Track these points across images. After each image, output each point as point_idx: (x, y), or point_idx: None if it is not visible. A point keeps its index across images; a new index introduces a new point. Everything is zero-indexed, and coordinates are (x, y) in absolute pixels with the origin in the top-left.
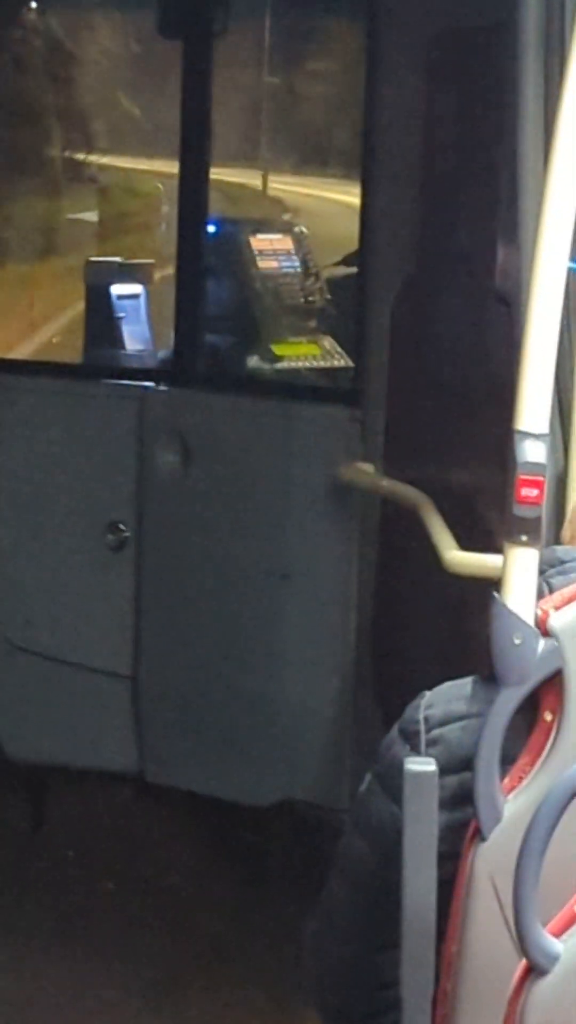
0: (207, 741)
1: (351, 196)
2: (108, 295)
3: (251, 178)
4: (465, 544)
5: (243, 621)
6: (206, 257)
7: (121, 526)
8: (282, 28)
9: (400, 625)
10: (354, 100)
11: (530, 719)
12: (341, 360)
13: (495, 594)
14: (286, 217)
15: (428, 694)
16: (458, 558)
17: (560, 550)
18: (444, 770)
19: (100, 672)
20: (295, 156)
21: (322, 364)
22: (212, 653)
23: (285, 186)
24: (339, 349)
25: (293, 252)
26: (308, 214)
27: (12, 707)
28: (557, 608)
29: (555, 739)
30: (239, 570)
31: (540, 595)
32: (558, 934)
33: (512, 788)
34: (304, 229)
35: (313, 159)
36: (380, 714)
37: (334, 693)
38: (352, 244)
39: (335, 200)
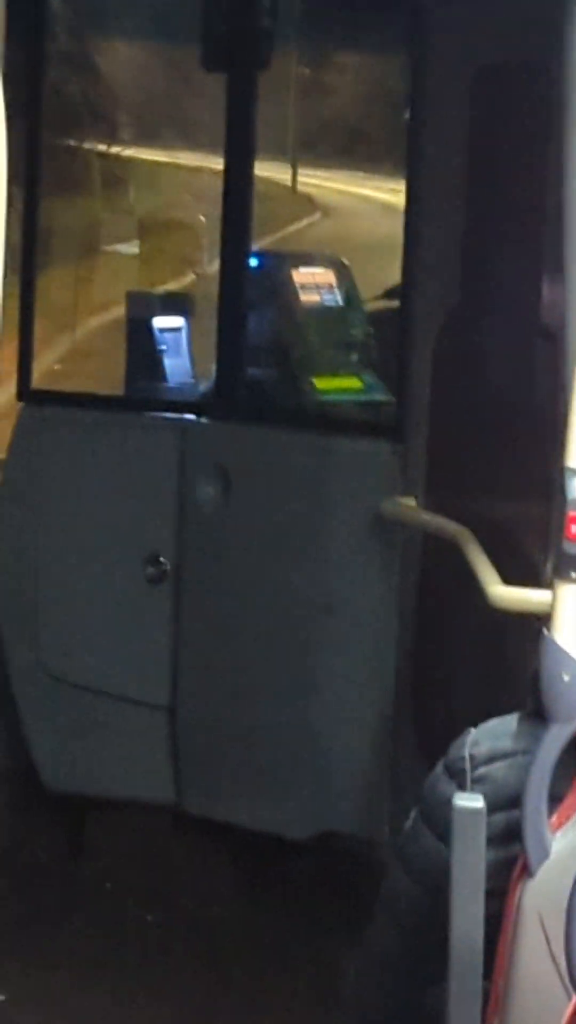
0: (245, 773)
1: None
2: (149, 328)
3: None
4: (507, 578)
5: (282, 653)
6: (248, 290)
7: (161, 558)
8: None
9: (441, 659)
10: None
11: None
12: (383, 394)
13: (544, 630)
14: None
15: (473, 731)
16: (502, 593)
17: None
18: (491, 808)
19: (139, 703)
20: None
21: (363, 398)
22: (251, 685)
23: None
24: (381, 383)
25: (335, 286)
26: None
27: (51, 738)
28: None
29: None
30: (279, 603)
31: None
32: None
33: (560, 825)
34: (347, 262)
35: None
36: (420, 747)
37: (374, 725)
38: None
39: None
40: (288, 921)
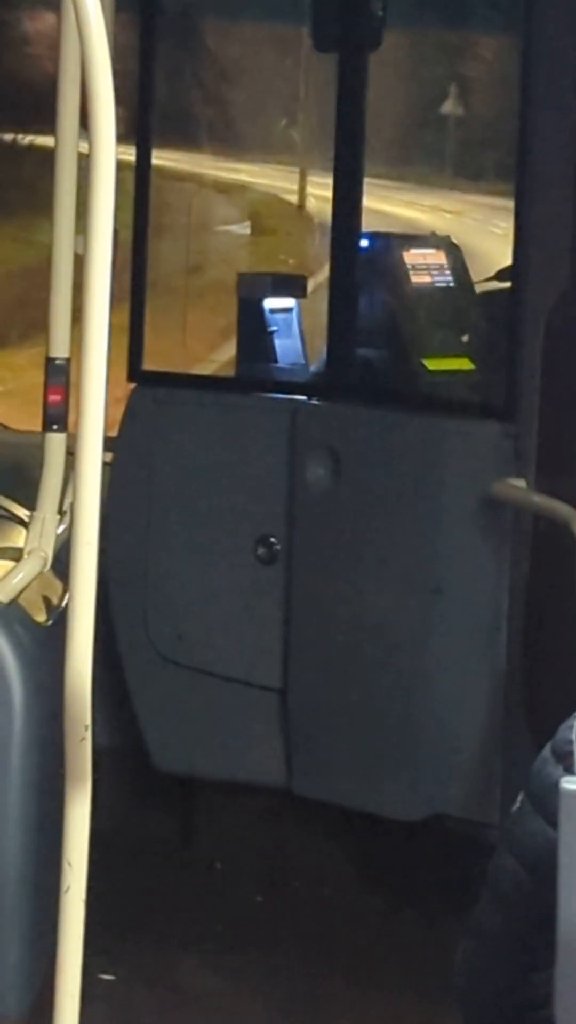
0: (356, 755)
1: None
2: (261, 309)
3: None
4: None
5: (393, 635)
6: (359, 272)
7: (272, 539)
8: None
9: (551, 642)
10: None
11: None
12: (494, 375)
13: None
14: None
15: None
16: None
17: None
18: None
19: (250, 685)
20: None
21: (475, 379)
22: (362, 667)
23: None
24: (492, 364)
25: (446, 267)
26: None
27: (162, 720)
28: None
29: None
30: (389, 585)
31: None
32: None
33: None
34: (457, 243)
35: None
36: (530, 731)
37: (484, 708)
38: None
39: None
40: (398, 904)
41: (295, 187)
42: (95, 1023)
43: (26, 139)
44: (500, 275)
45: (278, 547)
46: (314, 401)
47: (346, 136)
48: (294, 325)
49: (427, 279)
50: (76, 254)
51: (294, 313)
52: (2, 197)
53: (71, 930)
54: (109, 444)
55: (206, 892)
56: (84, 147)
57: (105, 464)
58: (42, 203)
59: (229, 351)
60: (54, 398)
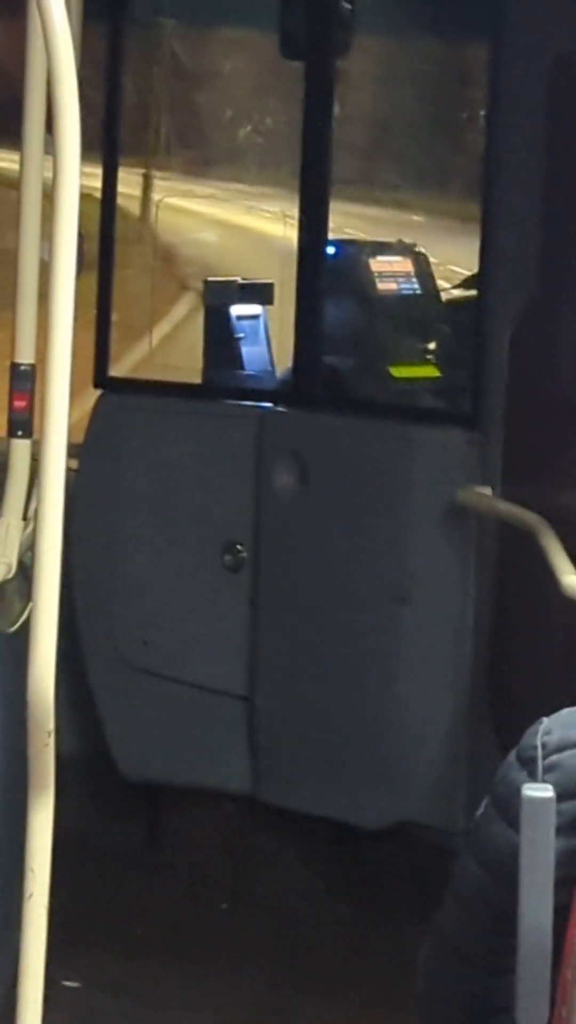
0: (322, 762)
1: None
2: (227, 316)
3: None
4: None
5: (359, 643)
6: (326, 279)
7: (239, 546)
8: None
9: (517, 649)
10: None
11: None
12: (459, 383)
13: None
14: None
15: (546, 720)
16: None
17: None
18: (561, 796)
19: (216, 692)
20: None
21: (440, 387)
22: (328, 674)
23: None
24: (458, 372)
25: (413, 275)
26: None
27: (127, 726)
28: None
29: None
30: (356, 592)
31: None
32: None
33: None
34: (424, 251)
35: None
36: (496, 737)
37: (450, 716)
38: None
39: None
40: (363, 911)
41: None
42: None
43: None
44: (466, 283)
45: (244, 554)
46: (281, 408)
47: (313, 144)
48: (261, 332)
49: (393, 287)
50: (42, 260)
51: (261, 320)
52: None
53: (34, 937)
54: (75, 450)
55: (171, 900)
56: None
57: (70, 470)
58: None
59: None
60: (19, 404)
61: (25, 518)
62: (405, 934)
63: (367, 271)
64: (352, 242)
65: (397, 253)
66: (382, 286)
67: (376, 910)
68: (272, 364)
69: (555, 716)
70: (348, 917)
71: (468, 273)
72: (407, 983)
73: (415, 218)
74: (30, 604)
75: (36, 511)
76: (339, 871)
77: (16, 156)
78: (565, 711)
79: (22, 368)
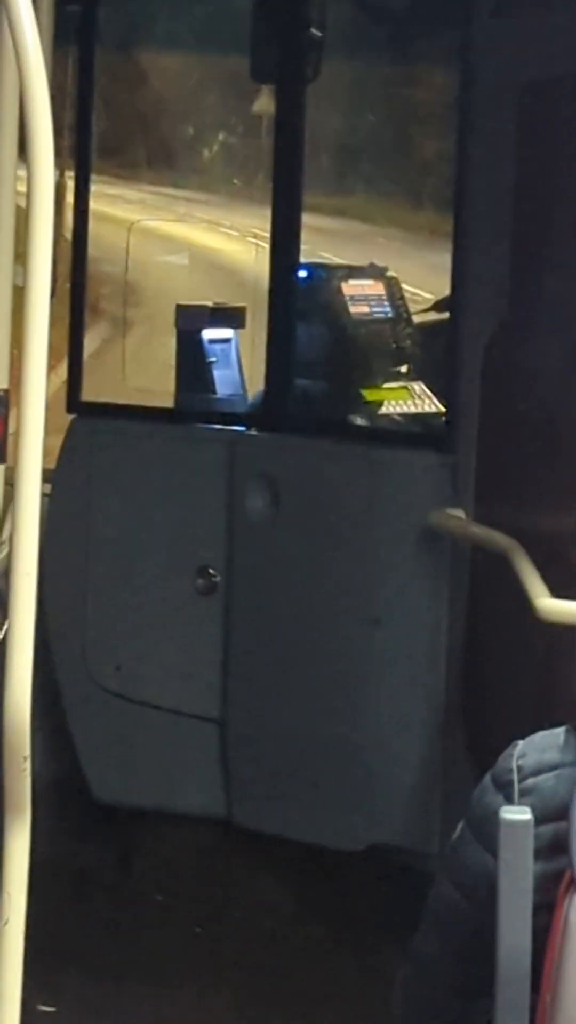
0: (295, 785)
1: None
2: (199, 340)
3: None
4: (556, 591)
5: (332, 666)
6: (298, 302)
7: (211, 570)
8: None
9: (490, 671)
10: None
11: None
12: (432, 406)
13: None
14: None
15: (521, 743)
16: (550, 605)
17: None
18: (538, 820)
19: (189, 716)
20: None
21: (413, 410)
22: (301, 697)
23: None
24: (430, 394)
25: (385, 298)
26: None
27: (100, 750)
28: None
29: None
30: (328, 615)
31: None
32: None
33: None
34: (395, 275)
35: None
36: (470, 759)
37: (423, 738)
38: None
39: None
40: (337, 934)
41: None
42: None
43: None
44: (438, 306)
45: (217, 578)
46: (253, 431)
47: (284, 166)
48: (232, 356)
49: (365, 309)
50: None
51: (232, 344)
52: None
53: (10, 961)
54: (48, 475)
55: (146, 923)
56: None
57: (44, 495)
58: None
59: None
60: None
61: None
62: (379, 957)
63: (339, 294)
64: (324, 265)
65: (369, 276)
66: (354, 309)
67: (350, 933)
68: (244, 387)
69: (529, 740)
70: (322, 940)
71: (434, 298)
72: (381, 1006)
73: (384, 240)
74: (5, 628)
75: (11, 536)
76: (313, 894)
77: None
78: (539, 734)
79: None
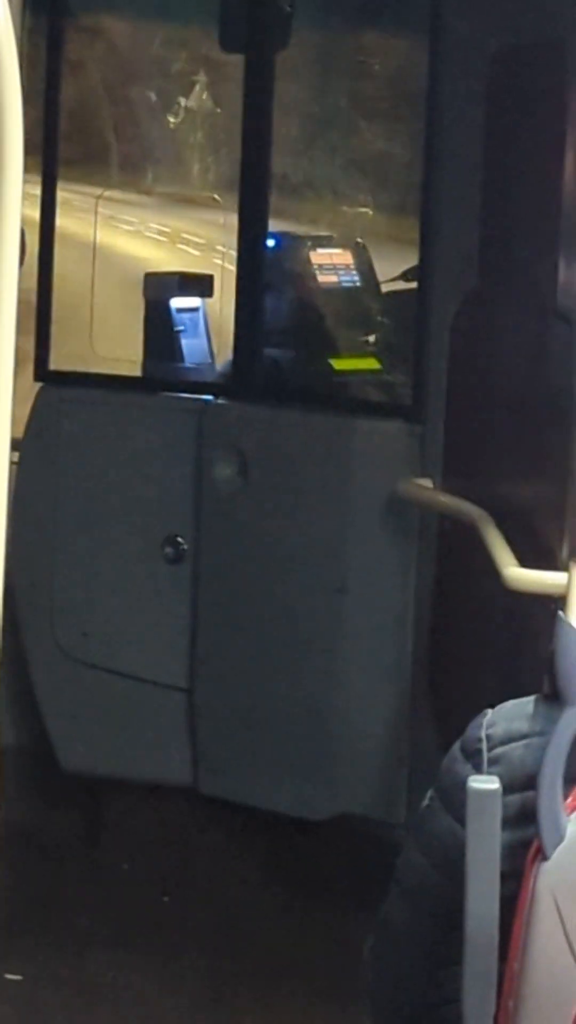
0: (263, 754)
1: None
2: (167, 308)
3: None
4: (524, 560)
5: (300, 634)
6: (266, 271)
7: (179, 539)
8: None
9: (458, 640)
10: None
11: None
12: (400, 375)
13: (560, 612)
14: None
15: (490, 712)
16: (518, 575)
17: None
18: (506, 789)
19: (156, 684)
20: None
21: (381, 379)
22: (268, 666)
23: None
24: (398, 364)
25: (353, 267)
26: None
27: (67, 718)
28: None
29: None
30: (296, 584)
31: None
32: None
33: (575, 807)
34: (363, 243)
35: None
36: (437, 729)
37: (391, 707)
38: None
39: None
40: (305, 903)
41: None
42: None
43: None
44: (406, 275)
45: (185, 546)
46: (221, 401)
47: (253, 136)
48: (200, 324)
49: (334, 279)
50: None
51: (200, 312)
52: None
53: None
54: (15, 444)
55: (112, 892)
56: None
57: (12, 463)
58: None
59: None
60: None
61: None
62: (347, 926)
63: (307, 263)
64: (292, 234)
65: (337, 245)
66: (322, 278)
67: (318, 902)
68: (212, 356)
69: (499, 708)
70: (290, 909)
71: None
72: (349, 975)
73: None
74: None
75: None
76: (280, 864)
77: None
78: (508, 703)
79: None
